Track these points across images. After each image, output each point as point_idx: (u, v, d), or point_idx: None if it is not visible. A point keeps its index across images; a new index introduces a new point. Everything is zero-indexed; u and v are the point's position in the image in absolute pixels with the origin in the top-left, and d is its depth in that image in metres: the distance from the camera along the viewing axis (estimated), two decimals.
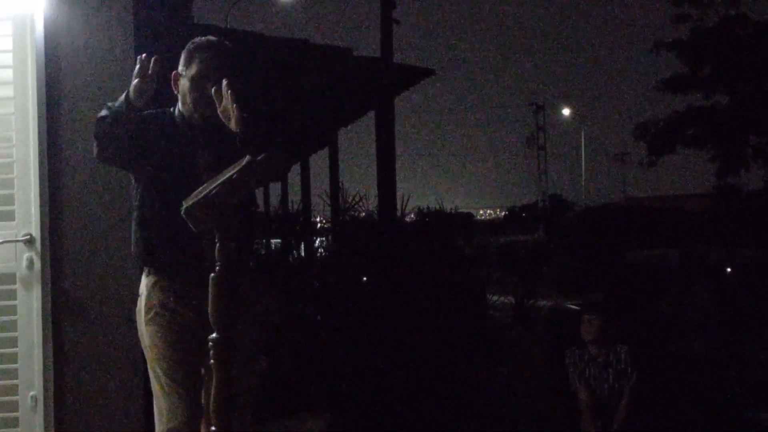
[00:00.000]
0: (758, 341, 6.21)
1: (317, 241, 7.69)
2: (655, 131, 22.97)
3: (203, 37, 3.16)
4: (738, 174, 22.14)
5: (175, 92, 3.14)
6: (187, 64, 3.07)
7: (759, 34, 20.99)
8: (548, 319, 8.39)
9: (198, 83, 3.03)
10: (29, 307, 4.06)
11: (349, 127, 10.16)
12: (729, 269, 9.16)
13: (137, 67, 2.88)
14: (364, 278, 6.18)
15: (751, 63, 20.70)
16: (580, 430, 5.33)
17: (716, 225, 18.67)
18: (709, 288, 6.79)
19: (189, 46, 3.11)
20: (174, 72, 3.11)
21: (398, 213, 7.12)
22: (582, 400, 5.29)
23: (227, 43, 3.16)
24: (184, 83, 3.08)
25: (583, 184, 44.64)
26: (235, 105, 2.80)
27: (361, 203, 6.86)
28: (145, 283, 3.11)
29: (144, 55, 2.89)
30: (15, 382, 4.05)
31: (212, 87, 2.91)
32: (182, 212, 2.38)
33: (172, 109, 3.16)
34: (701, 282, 6.93)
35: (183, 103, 3.11)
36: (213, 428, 2.42)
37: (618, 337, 5.39)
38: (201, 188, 2.38)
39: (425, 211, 8.80)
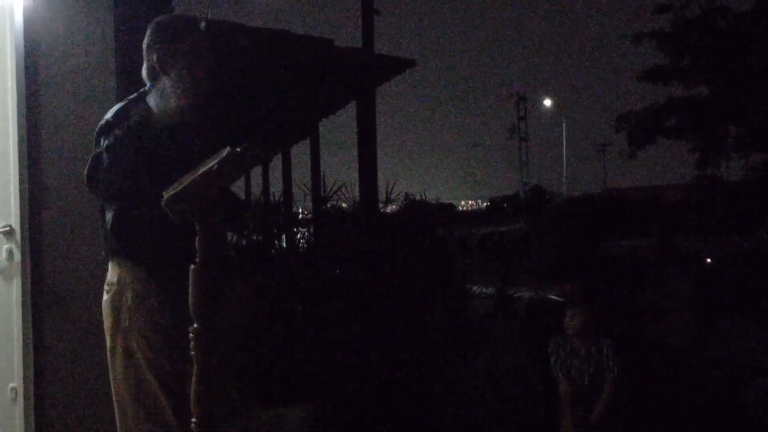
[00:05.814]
0: (735, 330, 6.27)
1: (298, 234, 7.67)
2: (636, 122, 23.05)
3: (173, 16, 3.06)
4: (718, 165, 22.28)
5: (151, 80, 2.97)
6: (172, 54, 2.90)
7: (739, 25, 21.07)
8: (528, 309, 8.42)
9: (190, 71, 2.91)
10: (9, 298, 4.05)
11: (331, 117, 10.13)
12: (708, 259, 9.24)
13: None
14: (346, 269, 6.18)
15: (732, 54, 20.78)
16: (560, 420, 5.37)
17: (696, 215, 18.80)
18: (688, 277, 6.84)
19: (165, 31, 2.93)
20: (153, 62, 2.93)
21: (383, 201, 7.11)
22: (562, 391, 5.34)
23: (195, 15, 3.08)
24: (170, 76, 2.91)
25: (564, 174, 44.87)
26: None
27: (340, 192, 6.84)
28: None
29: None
30: None
31: (202, 72, 2.89)
32: (162, 204, 2.37)
33: (142, 103, 2.96)
34: (680, 272, 6.99)
35: (166, 95, 2.93)
36: (193, 418, 2.42)
37: (599, 327, 5.42)
38: (181, 180, 2.38)
39: (412, 199, 8.80)
